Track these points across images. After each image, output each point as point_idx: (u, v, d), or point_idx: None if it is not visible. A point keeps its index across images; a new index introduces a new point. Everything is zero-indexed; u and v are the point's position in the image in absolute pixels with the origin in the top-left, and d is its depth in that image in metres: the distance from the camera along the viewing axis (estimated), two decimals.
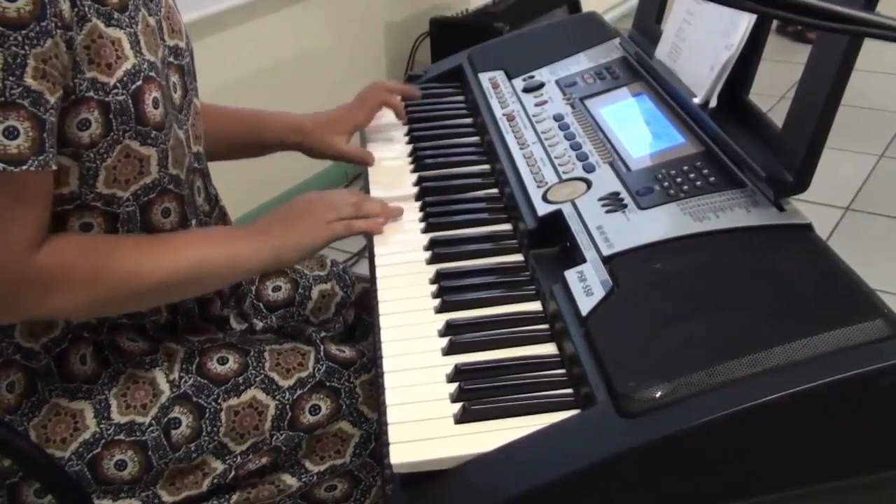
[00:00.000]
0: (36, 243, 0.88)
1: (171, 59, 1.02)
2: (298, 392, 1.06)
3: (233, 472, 1.04)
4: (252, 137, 1.32)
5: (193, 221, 1.07)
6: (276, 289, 1.24)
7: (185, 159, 1.03)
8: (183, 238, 1.04)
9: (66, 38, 0.85)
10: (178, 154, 1.01)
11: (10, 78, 0.80)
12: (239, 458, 1.04)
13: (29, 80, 0.82)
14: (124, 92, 0.91)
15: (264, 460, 1.06)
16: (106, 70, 0.89)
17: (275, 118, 1.34)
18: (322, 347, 1.11)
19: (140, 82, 0.93)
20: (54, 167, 0.87)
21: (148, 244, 0.99)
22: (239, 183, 2.20)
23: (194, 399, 1.03)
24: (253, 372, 1.06)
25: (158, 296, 1.01)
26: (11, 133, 0.81)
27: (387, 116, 1.44)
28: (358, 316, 1.34)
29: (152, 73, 0.95)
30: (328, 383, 1.08)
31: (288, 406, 1.06)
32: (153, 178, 0.98)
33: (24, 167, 0.83)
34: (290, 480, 1.07)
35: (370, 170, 1.32)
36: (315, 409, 1.07)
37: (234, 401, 1.04)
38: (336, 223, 1.10)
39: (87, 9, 0.87)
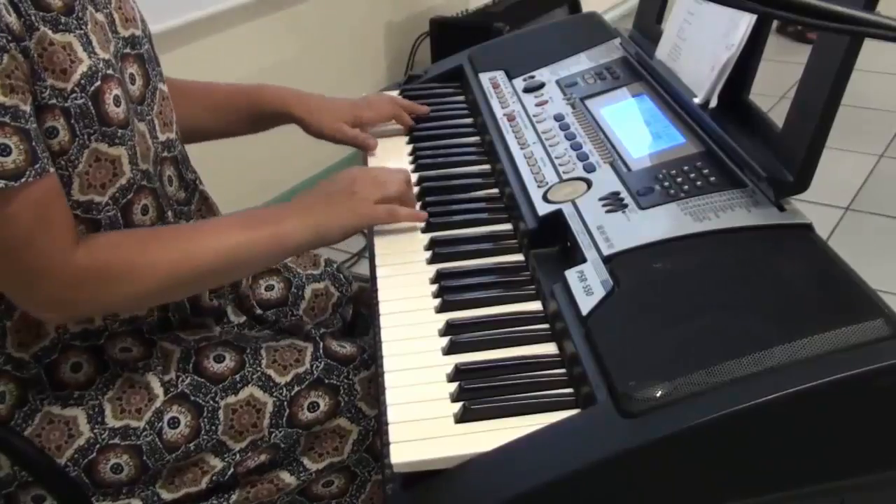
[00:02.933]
0: (71, 244, 0.90)
1: (126, 50, 1.01)
2: (296, 389, 1.06)
3: (231, 470, 1.04)
4: (252, 109, 1.30)
5: (169, 213, 1.06)
6: (269, 288, 1.24)
7: (150, 152, 1.02)
8: (221, 223, 1.05)
9: (20, 48, 0.85)
10: (142, 148, 1.00)
11: None
12: (238, 455, 1.04)
13: (0, 98, 0.82)
14: (83, 95, 0.91)
15: (263, 457, 1.06)
16: (61, 76, 0.89)
17: (277, 90, 1.32)
18: (321, 344, 1.11)
19: (99, 82, 0.92)
20: (52, 170, 0.88)
21: (185, 233, 1.00)
22: (239, 182, 2.21)
23: (192, 398, 1.03)
24: (250, 369, 1.06)
25: (202, 282, 1.02)
26: (4, 150, 0.83)
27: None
28: (357, 311, 1.34)
29: (110, 71, 0.94)
30: (327, 380, 1.08)
31: (286, 403, 1.06)
32: (127, 177, 0.97)
33: (23, 179, 0.84)
34: (289, 479, 1.07)
35: None
36: (313, 406, 1.07)
37: (231, 399, 1.04)
38: (380, 206, 1.09)
39: (33, 17, 0.87)
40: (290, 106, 1.30)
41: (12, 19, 0.84)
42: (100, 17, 0.97)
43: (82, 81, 0.91)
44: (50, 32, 0.88)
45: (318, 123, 1.31)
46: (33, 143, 0.85)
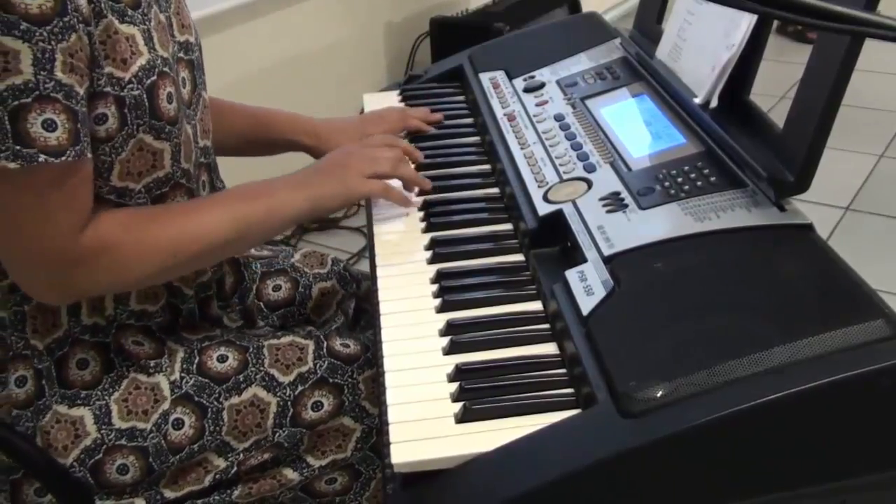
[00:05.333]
0: (81, 226, 0.91)
1: (181, 54, 1.04)
2: (300, 388, 1.07)
3: (234, 468, 1.04)
4: (261, 134, 1.32)
5: None
6: (277, 288, 1.24)
7: (192, 154, 1.04)
8: (219, 198, 1.07)
9: (87, 31, 0.87)
10: (187, 149, 1.02)
11: (42, 72, 0.83)
12: (241, 454, 1.04)
13: (59, 74, 0.84)
14: (139, 87, 0.93)
15: (266, 456, 1.06)
16: (121, 65, 0.91)
17: (288, 118, 1.34)
18: (325, 343, 1.11)
19: (155, 77, 0.95)
20: (90, 155, 0.90)
21: (187, 210, 1.02)
22: (240, 181, 2.20)
23: (196, 399, 1.03)
24: (253, 369, 1.06)
25: (205, 258, 1.04)
26: (50, 125, 0.84)
27: None
28: (360, 307, 1.34)
29: (166, 69, 0.97)
30: (331, 380, 1.08)
31: (289, 402, 1.06)
32: (166, 172, 0.99)
33: (64, 158, 0.86)
34: (292, 475, 1.07)
35: None
36: (317, 406, 1.07)
37: (235, 399, 1.04)
38: (374, 182, 1.12)
39: (102, 5, 0.89)
40: (299, 135, 1.32)
41: (83, 3, 0.86)
42: (162, 17, 0.99)
43: (139, 74, 0.93)
44: (116, 22, 0.91)
45: (326, 150, 1.31)
46: (78, 125, 0.87)
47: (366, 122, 1.37)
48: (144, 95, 0.93)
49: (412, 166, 1.23)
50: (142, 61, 0.93)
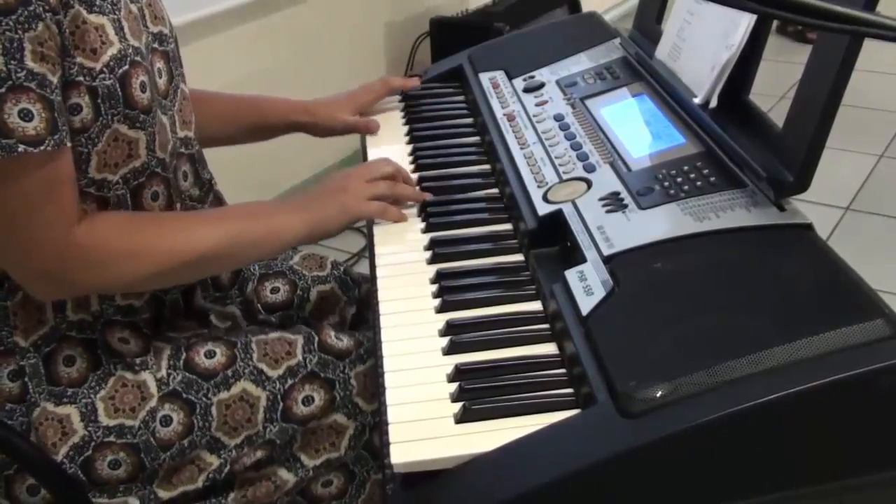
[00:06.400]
0: (73, 220, 0.91)
1: (155, 45, 1.04)
2: (289, 382, 1.06)
3: (228, 467, 1.04)
4: (257, 120, 1.34)
5: (178, 205, 1.07)
6: (275, 290, 1.24)
7: (168, 144, 1.04)
8: (220, 213, 1.08)
9: (55, 20, 0.87)
10: (162, 138, 1.02)
11: (13, 62, 0.83)
12: (234, 452, 1.04)
13: (30, 63, 0.84)
14: (112, 76, 0.92)
15: (259, 454, 1.05)
16: (91, 55, 0.91)
17: (279, 101, 1.36)
18: (316, 338, 1.11)
19: (127, 66, 0.94)
20: (69, 144, 0.89)
21: (185, 220, 1.03)
22: (240, 182, 2.20)
23: (184, 395, 1.03)
24: (241, 364, 1.06)
25: (198, 269, 1.05)
26: (26, 115, 0.84)
27: (387, 115, 1.45)
28: (359, 312, 1.34)
29: (138, 58, 0.96)
30: (322, 374, 1.08)
31: (279, 396, 1.06)
32: (142, 161, 0.99)
33: (42, 147, 0.85)
34: (287, 475, 1.07)
35: None
36: (308, 400, 1.07)
37: (224, 394, 1.04)
38: (371, 204, 1.13)
39: None
40: (293, 116, 1.35)
41: None
42: (133, 7, 0.99)
43: (111, 63, 0.92)
44: (84, 12, 0.90)
45: (324, 125, 1.36)
46: (55, 114, 0.86)
47: (354, 94, 1.41)
48: (117, 85, 0.93)
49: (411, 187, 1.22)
50: (112, 51, 0.93)
